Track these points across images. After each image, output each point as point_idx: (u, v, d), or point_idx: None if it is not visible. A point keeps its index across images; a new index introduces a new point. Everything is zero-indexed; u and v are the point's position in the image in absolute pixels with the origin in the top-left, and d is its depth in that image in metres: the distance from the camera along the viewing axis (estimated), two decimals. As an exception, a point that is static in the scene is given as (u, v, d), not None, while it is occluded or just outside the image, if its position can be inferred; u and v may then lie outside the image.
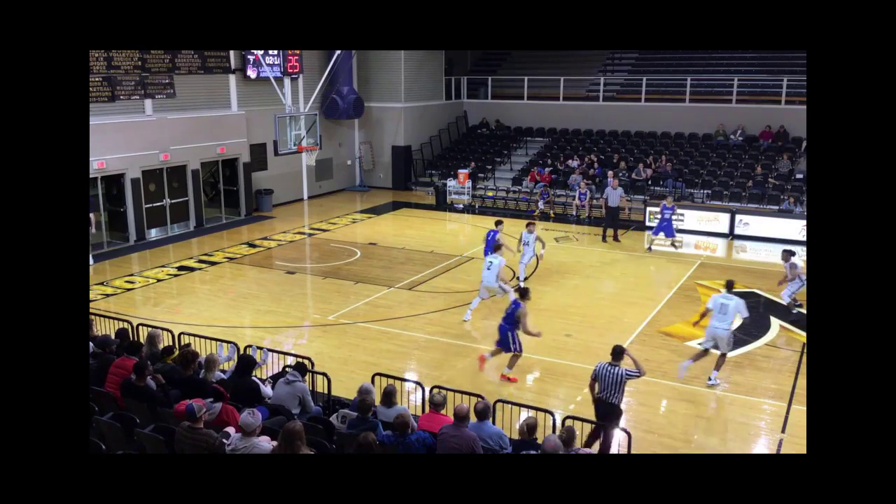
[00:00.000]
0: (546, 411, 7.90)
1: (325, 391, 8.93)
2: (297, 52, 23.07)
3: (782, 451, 8.63)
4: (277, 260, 17.40)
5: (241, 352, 9.12)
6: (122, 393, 7.50)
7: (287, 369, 8.23)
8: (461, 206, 23.87)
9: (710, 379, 10.27)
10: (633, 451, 7.82)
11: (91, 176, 17.30)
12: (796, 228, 18.60)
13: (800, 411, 9.46)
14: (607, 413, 8.09)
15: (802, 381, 10.35)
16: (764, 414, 9.59)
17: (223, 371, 8.56)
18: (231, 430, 6.29)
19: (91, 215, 15.83)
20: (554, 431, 7.44)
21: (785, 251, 13.42)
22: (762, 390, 10.19)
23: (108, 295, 14.47)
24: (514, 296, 10.97)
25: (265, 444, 6.01)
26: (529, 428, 6.93)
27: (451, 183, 24.55)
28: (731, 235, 19.55)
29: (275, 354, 10.11)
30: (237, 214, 21.82)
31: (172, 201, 19.74)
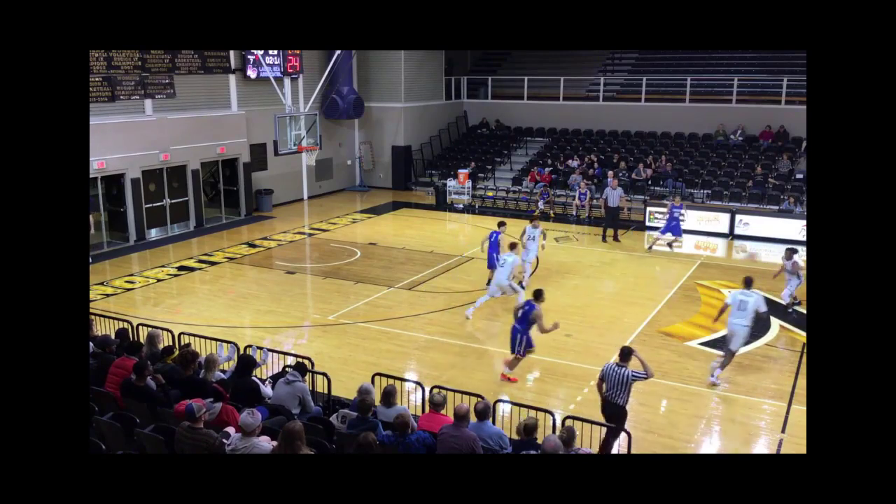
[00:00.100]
0: (546, 411, 7.90)
1: (325, 391, 8.94)
2: (297, 52, 23.08)
3: (782, 451, 8.63)
4: (277, 260, 17.40)
5: (241, 352, 9.12)
6: (122, 393, 7.50)
7: (287, 369, 8.22)
8: (461, 206, 23.87)
9: (711, 375, 10.30)
10: (633, 451, 7.83)
11: (91, 176, 17.31)
12: (796, 228, 18.62)
13: (800, 411, 9.47)
14: (613, 413, 8.11)
15: (802, 381, 10.36)
16: (764, 414, 9.60)
17: (223, 371, 8.56)
18: (231, 430, 6.29)
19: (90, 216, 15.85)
20: (554, 431, 7.45)
21: (788, 249, 13.46)
22: (762, 390, 10.20)
23: (108, 295, 14.47)
24: (524, 297, 10.95)
25: (265, 444, 6.01)
26: (529, 428, 6.93)
27: (451, 183, 24.55)
28: (731, 235, 19.55)
29: (275, 354, 10.11)
30: (237, 214, 21.82)
31: (172, 201, 19.74)
